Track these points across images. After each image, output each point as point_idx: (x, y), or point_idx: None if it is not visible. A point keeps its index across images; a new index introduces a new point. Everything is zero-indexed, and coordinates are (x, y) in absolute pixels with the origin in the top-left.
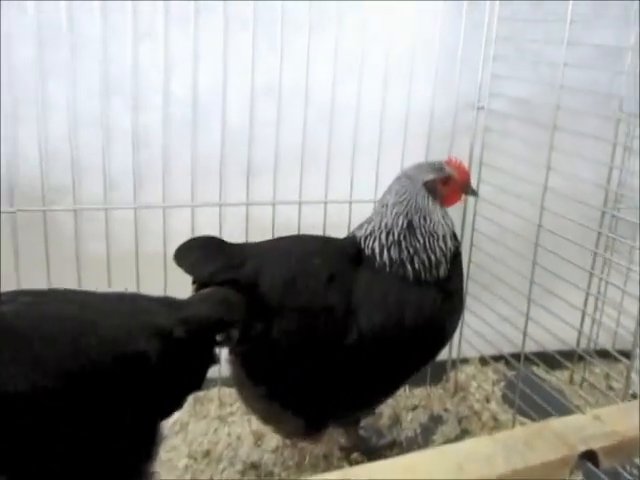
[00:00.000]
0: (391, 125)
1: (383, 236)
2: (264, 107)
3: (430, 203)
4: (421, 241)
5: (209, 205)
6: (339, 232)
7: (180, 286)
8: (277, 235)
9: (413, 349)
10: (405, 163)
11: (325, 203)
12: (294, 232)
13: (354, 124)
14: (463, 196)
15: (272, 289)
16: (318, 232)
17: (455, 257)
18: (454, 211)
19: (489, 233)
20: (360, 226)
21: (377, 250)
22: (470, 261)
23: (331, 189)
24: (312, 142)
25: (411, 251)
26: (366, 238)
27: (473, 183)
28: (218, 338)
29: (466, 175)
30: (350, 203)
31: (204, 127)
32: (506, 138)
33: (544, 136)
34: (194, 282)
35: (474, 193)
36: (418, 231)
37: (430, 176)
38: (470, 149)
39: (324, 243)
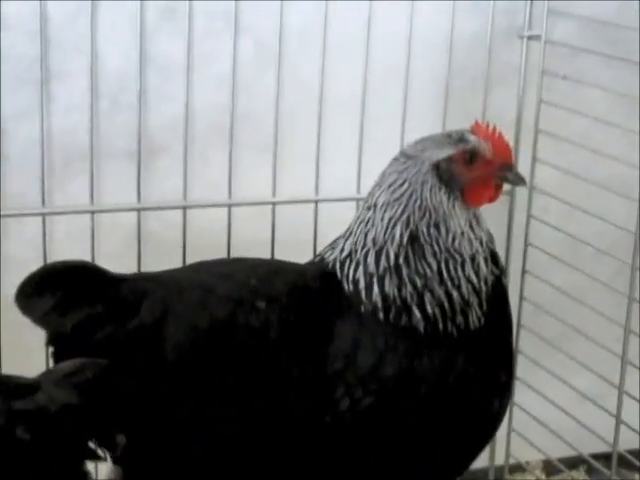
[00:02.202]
0: (381, 68)
1: (371, 259)
2: (165, 39)
3: (445, 199)
4: (434, 266)
5: (71, 212)
6: (299, 253)
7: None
8: (192, 259)
9: (429, 454)
10: (407, 135)
11: (273, 204)
12: (222, 254)
13: (319, 66)
14: (503, 187)
15: (182, 351)
16: (262, 254)
17: (496, 293)
18: (491, 214)
19: (554, 250)
20: (333, 244)
21: (362, 283)
22: (522, 299)
23: (283, 181)
24: (243, 99)
25: (419, 284)
26: (343, 263)
27: (519, 164)
28: (91, 445)
29: (504, 148)
30: (316, 203)
31: (60, 70)
32: (577, 87)
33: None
34: (50, 342)
35: (519, 181)
36: (428, 249)
37: (444, 152)
38: (518, 107)
39: (273, 274)
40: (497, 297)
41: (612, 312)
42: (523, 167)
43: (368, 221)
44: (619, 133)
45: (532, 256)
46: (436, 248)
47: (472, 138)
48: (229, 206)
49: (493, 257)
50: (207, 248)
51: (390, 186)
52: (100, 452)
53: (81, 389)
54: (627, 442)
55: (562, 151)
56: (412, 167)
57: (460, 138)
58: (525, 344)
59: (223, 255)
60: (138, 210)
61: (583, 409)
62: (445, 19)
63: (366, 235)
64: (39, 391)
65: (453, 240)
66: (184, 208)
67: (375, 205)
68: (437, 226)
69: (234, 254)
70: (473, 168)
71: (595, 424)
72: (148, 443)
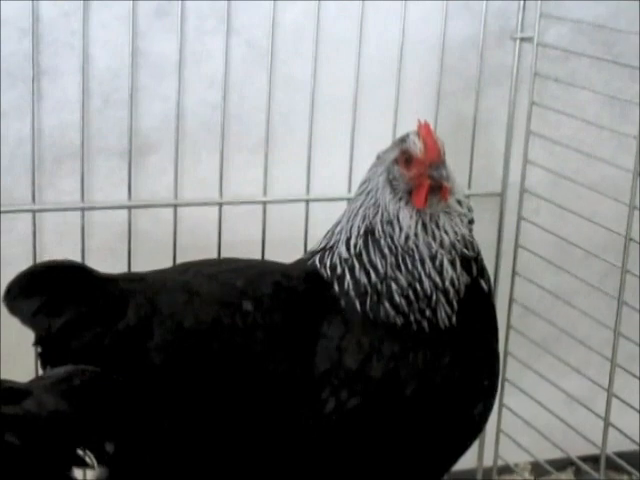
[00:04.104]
0: (373, 69)
1: (343, 249)
2: (157, 38)
3: (392, 200)
4: (390, 259)
5: (61, 209)
6: (289, 252)
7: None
8: (182, 257)
9: (412, 455)
10: (399, 136)
11: (264, 203)
12: (212, 253)
13: (311, 66)
14: (446, 187)
15: (168, 352)
16: (253, 253)
17: (474, 297)
18: (482, 215)
19: (544, 252)
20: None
21: (339, 272)
22: (512, 300)
23: (274, 180)
24: (235, 98)
25: (381, 273)
26: (323, 257)
27: (511, 165)
28: (79, 452)
29: (432, 146)
30: (307, 202)
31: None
32: (569, 90)
33: (631, 84)
34: (37, 342)
35: (441, 179)
36: (383, 243)
37: (393, 153)
38: (509, 109)
39: (259, 275)
40: (476, 301)
41: (602, 315)
42: (514, 169)
43: (344, 214)
44: (610, 136)
45: (522, 258)
46: (390, 243)
47: (410, 138)
48: (220, 205)
49: (466, 262)
50: (198, 246)
51: (361, 184)
52: (88, 459)
53: (71, 396)
54: (615, 444)
55: (553, 153)
56: (374, 167)
57: (402, 139)
58: (514, 346)
59: (214, 253)
60: (129, 208)
61: (572, 411)
62: (437, 20)
63: (344, 228)
64: (29, 397)
65: (406, 239)
66: (175, 206)
67: (350, 201)
68: (390, 223)
69: (224, 253)
70: (410, 168)
71: (584, 426)
72: (135, 445)
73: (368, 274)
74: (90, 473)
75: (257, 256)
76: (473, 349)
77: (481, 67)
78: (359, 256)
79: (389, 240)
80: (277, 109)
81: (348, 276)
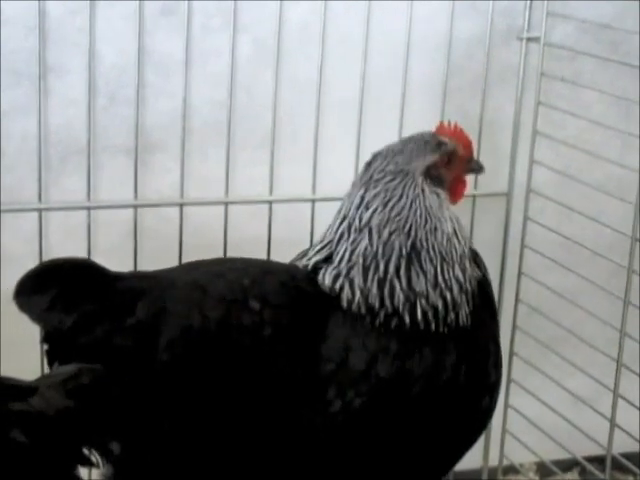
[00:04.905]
0: (380, 68)
1: (357, 272)
2: (163, 36)
3: (438, 203)
4: (431, 272)
5: (67, 207)
6: (295, 251)
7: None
8: (188, 256)
9: (419, 452)
10: (405, 135)
11: (270, 202)
12: (218, 252)
13: (317, 65)
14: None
15: (176, 351)
16: (259, 252)
17: (482, 291)
18: (488, 215)
19: (550, 252)
20: (307, 253)
21: (348, 290)
22: (517, 300)
23: (280, 179)
24: (242, 97)
25: (412, 294)
26: (324, 272)
27: (517, 165)
28: (85, 451)
29: (469, 143)
30: (313, 202)
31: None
32: (575, 89)
33: (637, 84)
34: (45, 340)
35: (481, 169)
36: (424, 256)
37: (428, 159)
38: (516, 108)
39: (265, 274)
40: (483, 295)
41: (607, 315)
42: (520, 169)
43: (356, 241)
44: (616, 136)
45: (528, 258)
46: (432, 253)
47: (447, 140)
48: (226, 204)
49: (475, 257)
50: (203, 245)
51: (385, 205)
52: (93, 458)
53: (78, 394)
54: (621, 445)
55: (559, 153)
56: (402, 181)
57: (438, 142)
58: (520, 346)
59: (219, 252)
60: (134, 207)
61: (577, 412)
62: (444, 19)
63: (355, 252)
64: (36, 394)
65: (448, 241)
66: (181, 205)
67: (369, 226)
68: (434, 230)
69: (230, 252)
70: (452, 168)
71: (589, 427)
72: (141, 444)
73: (394, 298)
74: (95, 472)
75: (263, 255)
76: (479, 343)
77: (487, 66)
78: (387, 278)
79: (431, 250)
80: (283, 108)
81: (359, 299)
